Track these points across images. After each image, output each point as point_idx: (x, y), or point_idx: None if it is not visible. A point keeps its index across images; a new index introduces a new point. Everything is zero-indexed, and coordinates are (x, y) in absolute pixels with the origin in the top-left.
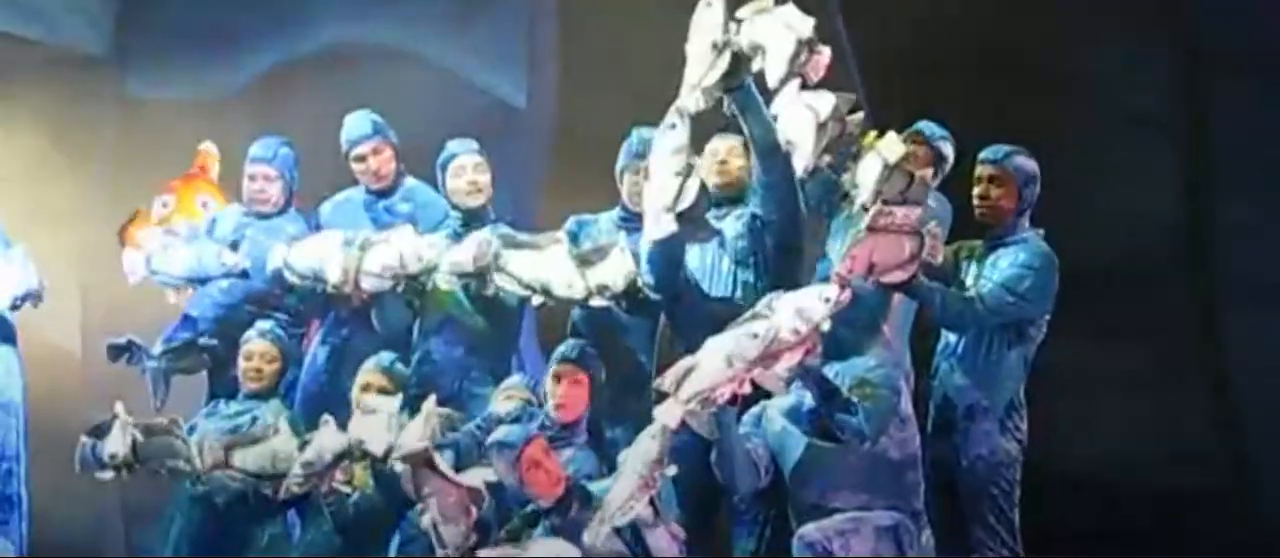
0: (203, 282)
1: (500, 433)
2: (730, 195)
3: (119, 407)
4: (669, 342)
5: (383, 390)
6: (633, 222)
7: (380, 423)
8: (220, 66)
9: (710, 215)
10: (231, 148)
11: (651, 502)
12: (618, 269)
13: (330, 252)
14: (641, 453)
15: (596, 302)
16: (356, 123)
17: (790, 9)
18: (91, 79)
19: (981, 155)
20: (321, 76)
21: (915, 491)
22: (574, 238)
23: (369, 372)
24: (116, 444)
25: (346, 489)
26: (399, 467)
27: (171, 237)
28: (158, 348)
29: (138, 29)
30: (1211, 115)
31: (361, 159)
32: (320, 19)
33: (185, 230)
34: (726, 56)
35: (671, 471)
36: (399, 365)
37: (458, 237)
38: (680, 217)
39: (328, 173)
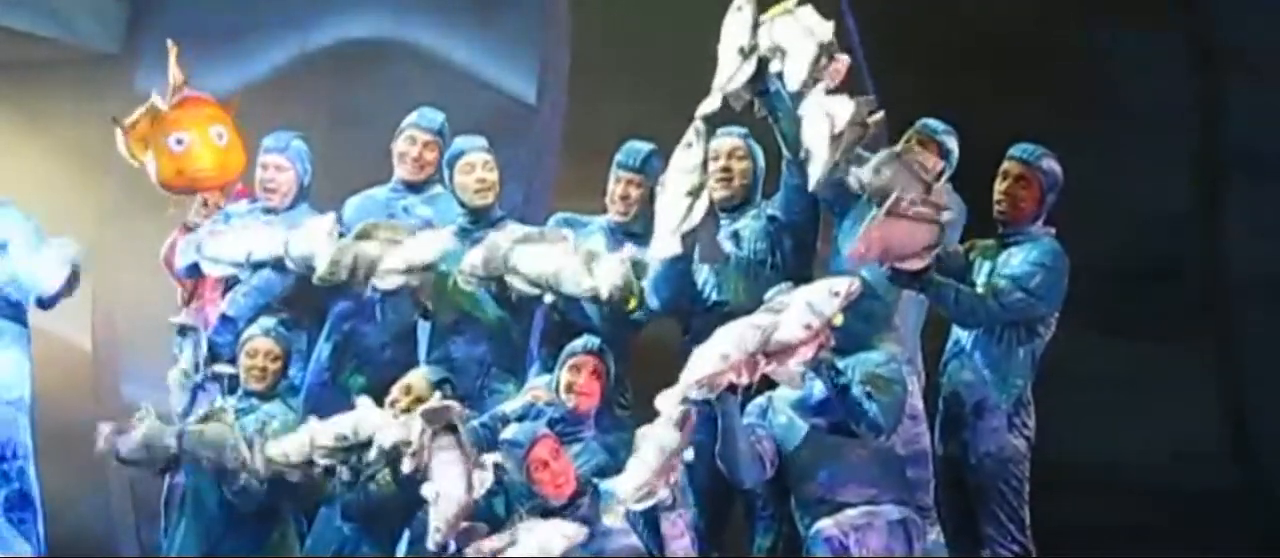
0: (256, 267)
1: (510, 432)
2: (735, 204)
3: (147, 407)
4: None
5: (420, 399)
6: (617, 233)
7: (394, 421)
8: (232, 64)
9: (723, 219)
10: (244, 144)
11: (669, 487)
12: (610, 276)
13: (318, 238)
14: (658, 440)
15: (591, 302)
16: (430, 114)
17: (810, 12)
18: (103, 77)
19: (1012, 151)
20: (333, 74)
21: (923, 486)
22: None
23: (416, 377)
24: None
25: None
26: (413, 432)
27: (223, 222)
28: (204, 353)
29: (149, 27)
30: (1222, 111)
31: (413, 141)
32: (331, 16)
33: (237, 215)
34: (752, 62)
35: (689, 455)
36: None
37: (465, 233)
38: (685, 236)
39: (340, 169)
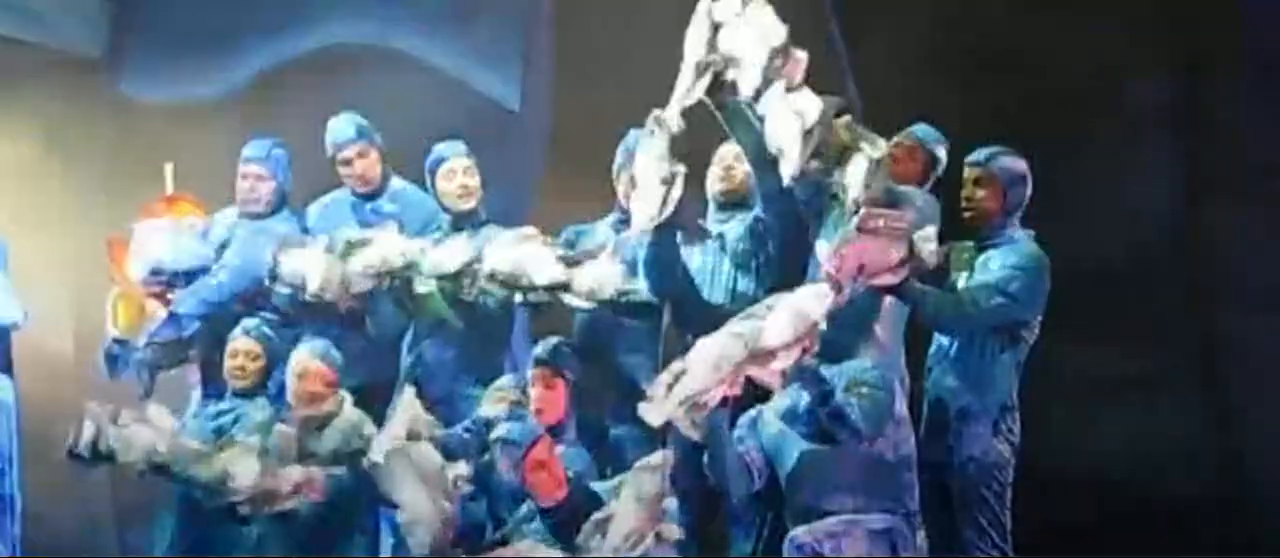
0: (187, 276)
1: (504, 429)
2: (734, 200)
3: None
4: (675, 341)
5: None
6: (628, 224)
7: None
8: (215, 68)
9: (714, 219)
10: (225, 149)
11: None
12: (604, 275)
13: (313, 261)
14: (641, 489)
15: (579, 303)
16: (341, 126)
17: (765, 11)
18: (86, 81)
19: (967, 158)
20: (316, 78)
21: (910, 492)
22: (571, 246)
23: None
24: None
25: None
26: (379, 460)
27: (178, 232)
28: (142, 340)
29: (133, 31)
30: (1210, 116)
31: (347, 162)
32: (315, 21)
33: (190, 225)
34: (707, 78)
35: (672, 504)
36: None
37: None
38: (663, 224)
39: (323, 175)
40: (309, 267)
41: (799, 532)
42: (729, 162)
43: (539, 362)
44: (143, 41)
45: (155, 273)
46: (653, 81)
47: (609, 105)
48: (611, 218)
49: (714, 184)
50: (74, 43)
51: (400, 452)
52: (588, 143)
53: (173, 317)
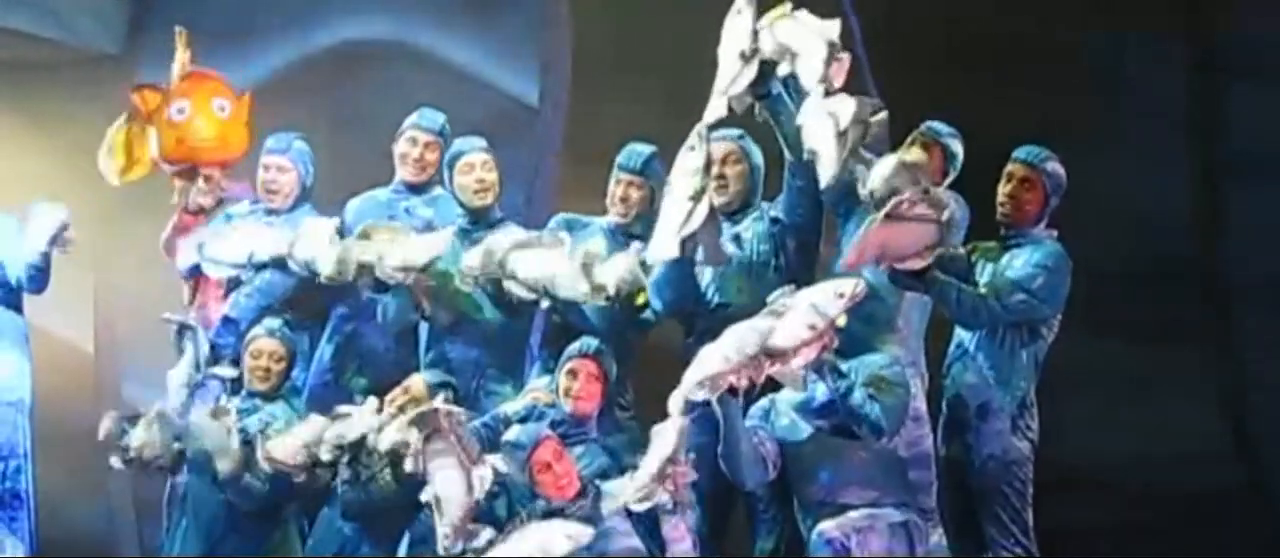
0: (258, 268)
1: (512, 433)
2: (734, 208)
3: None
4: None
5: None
6: (617, 234)
7: (393, 423)
8: (233, 65)
9: (725, 223)
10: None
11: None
12: (618, 271)
13: (321, 240)
14: (659, 444)
15: (596, 301)
16: (431, 115)
17: (808, 14)
18: (104, 77)
19: (1016, 154)
20: (334, 75)
21: (925, 489)
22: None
23: (416, 379)
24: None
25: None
26: (411, 435)
27: (224, 222)
28: (205, 352)
29: (151, 28)
30: (1225, 113)
31: (414, 142)
32: (333, 17)
33: (238, 216)
34: (753, 66)
35: (691, 461)
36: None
37: (465, 234)
38: (685, 241)
39: (341, 170)
40: (319, 251)
41: (828, 526)
42: (720, 167)
43: (585, 354)
44: (160, 38)
45: (238, 266)
46: (670, 78)
47: (626, 103)
48: (606, 219)
49: (713, 197)
50: (91, 39)
51: (444, 438)
52: (605, 141)
53: (229, 321)
